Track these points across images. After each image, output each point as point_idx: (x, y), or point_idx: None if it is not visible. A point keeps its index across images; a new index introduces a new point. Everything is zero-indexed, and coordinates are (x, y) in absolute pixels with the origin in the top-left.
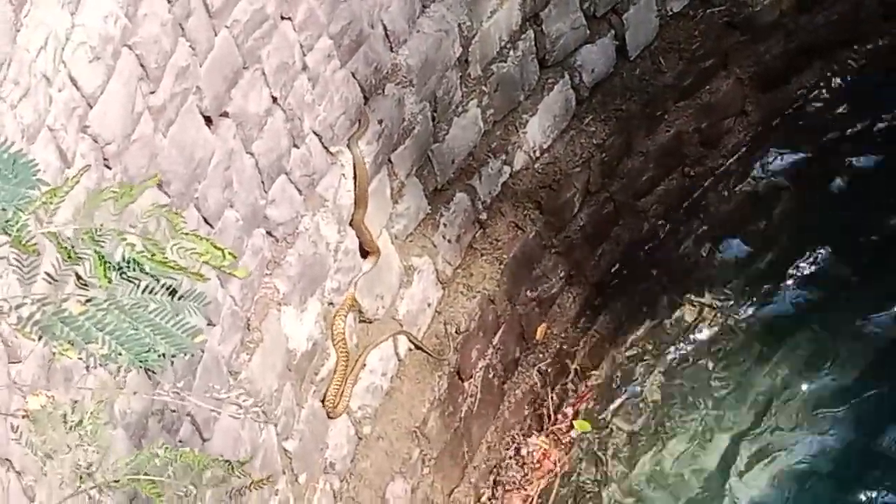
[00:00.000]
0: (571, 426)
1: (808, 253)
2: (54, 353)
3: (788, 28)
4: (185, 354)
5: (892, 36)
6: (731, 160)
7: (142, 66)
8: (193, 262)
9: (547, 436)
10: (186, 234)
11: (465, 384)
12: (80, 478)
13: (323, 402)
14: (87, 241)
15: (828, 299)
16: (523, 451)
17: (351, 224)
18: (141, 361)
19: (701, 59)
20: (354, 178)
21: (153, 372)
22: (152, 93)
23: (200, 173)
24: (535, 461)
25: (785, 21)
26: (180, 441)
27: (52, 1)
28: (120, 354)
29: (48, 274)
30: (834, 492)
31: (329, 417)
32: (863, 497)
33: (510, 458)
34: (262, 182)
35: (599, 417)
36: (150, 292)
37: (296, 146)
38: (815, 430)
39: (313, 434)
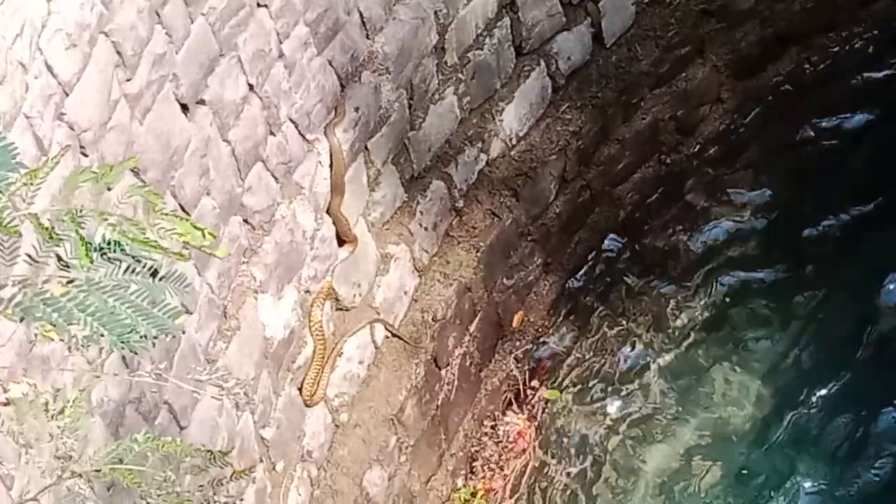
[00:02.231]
0: (543, 400)
1: (785, 239)
2: (36, 335)
3: (764, 15)
4: (167, 335)
5: (869, 23)
6: (708, 147)
7: (118, 53)
8: (173, 243)
9: (520, 413)
10: (166, 214)
11: (442, 372)
12: (61, 466)
13: (300, 390)
14: (68, 223)
15: (807, 285)
16: (499, 430)
17: (328, 212)
18: (123, 342)
19: (677, 46)
20: (331, 165)
21: (134, 353)
22: (129, 80)
23: (177, 161)
24: (509, 440)
25: (761, 8)
26: (158, 423)
27: None
28: (102, 336)
29: (29, 255)
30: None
31: (306, 405)
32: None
33: (486, 435)
34: (239, 170)
35: (577, 406)
36: (132, 273)
37: (272, 134)
38: (788, 417)
39: (290, 422)
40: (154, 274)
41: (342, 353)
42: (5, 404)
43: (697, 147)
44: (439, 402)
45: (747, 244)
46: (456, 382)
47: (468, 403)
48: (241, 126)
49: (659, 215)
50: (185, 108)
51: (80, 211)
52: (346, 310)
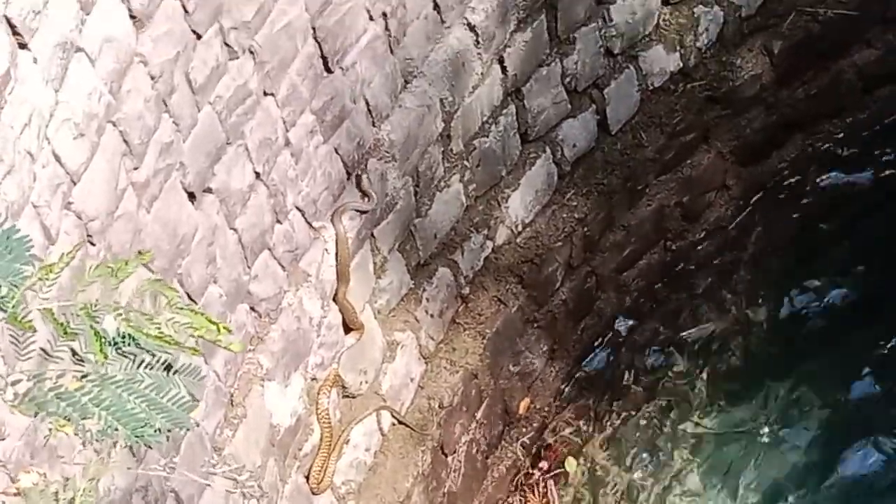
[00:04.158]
0: (553, 485)
1: (791, 326)
2: (50, 430)
3: (769, 102)
4: (182, 429)
5: (872, 109)
6: (713, 234)
7: (125, 142)
8: (186, 337)
9: (530, 499)
10: (181, 308)
11: (449, 459)
12: None
13: (307, 477)
14: (83, 317)
15: (812, 371)
16: None
17: (334, 299)
18: (137, 437)
19: (682, 133)
20: (336, 253)
21: (149, 447)
22: (136, 169)
23: (184, 249)
24: None
25: (765, 95)
26: None
27: (36, 78)
28: (116, 430)
29: (43, 350)
30: None
31: (313, 493)
32: None
33: None
34: (246, 258)
35: (586, 493)
36: (146, 367)
37: (279, 222)
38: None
39: None
40: (168, 368)
41: (349, 440)
42: (16, 494)
43: (703, 233)
44: (446, 490)
45: (753, 330)
46: (462, 470)
47: (475, 491)
48: (247, 214)
49: (665, 302)
50: (192, 196)
51: (95, 305)
52: (353, 397)
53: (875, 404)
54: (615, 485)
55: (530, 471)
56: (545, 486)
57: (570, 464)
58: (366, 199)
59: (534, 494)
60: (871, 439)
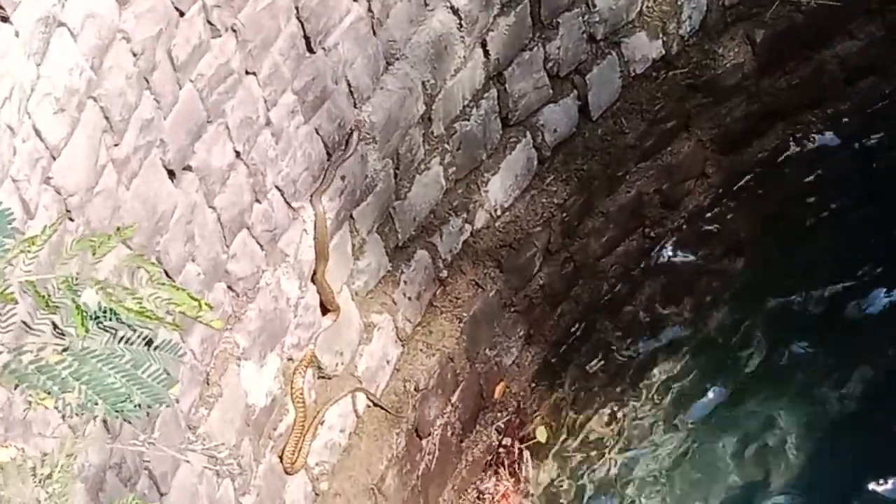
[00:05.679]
0: (534, 436)
1: (767, 315)
2: (29, 403)
3: (750, 91)
4: (161, 404)
5: (854, 100)
6: (692, 222)
7: (106, 118)
8: (166, 313)
9: (505, 478)
10: (163, 283)
11: (423, 442)
12: None
13: (281, 457)
14: (64, 290)
15: (786, 361)
16: (482, 491)
17: (312, 280)
18: (117, 411)
19: (663, 120)
20: (315, 234)
21: (128, 421)
22: (116, 145)
23: (162, 226)
24: (494, 501)
25: (747, 84)
26: (139, 489)
27: (18, 52)
28: (96, 404)
29: (24, 322)
30: None
31: (287, 473)
32: None
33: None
34: (224, 236)
35: (560, 476)
36: (126, 342)
37: (258, 201)
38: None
39: (271, 490)
40: (148, 343)
41: (323, 421)
42: None
43: (682, 221)
44: (420, 473)
45: (731, 318)
46: (437, 453)
47: (449, 474)
48: (227, 193)
49: (642, 289)
50: (171, 173)
51: (76, 279)
52: (329, 378)
53: (858, 391)
54: (585, 456)
55: (503, 442)
56: (518, 456)
57: (542, 433)
58: (344, 148)
59: (503, 468)
60: (860, 428)
